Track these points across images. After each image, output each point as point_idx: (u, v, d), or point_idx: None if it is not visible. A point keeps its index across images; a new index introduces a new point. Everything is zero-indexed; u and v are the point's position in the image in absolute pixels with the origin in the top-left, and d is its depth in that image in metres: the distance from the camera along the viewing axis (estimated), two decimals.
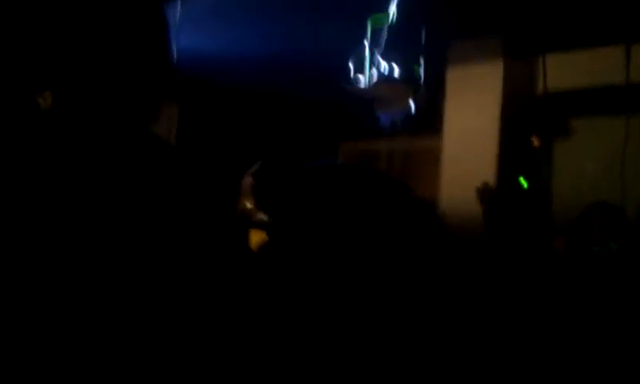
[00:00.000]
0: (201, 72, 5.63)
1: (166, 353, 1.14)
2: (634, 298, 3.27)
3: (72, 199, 1.12)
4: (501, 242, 4.10)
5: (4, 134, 1.17)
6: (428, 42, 4.82)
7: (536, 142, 4.84)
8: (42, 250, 1.09)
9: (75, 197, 1.13)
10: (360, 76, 4.75)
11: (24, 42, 1.19)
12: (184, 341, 1.15)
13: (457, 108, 5.17)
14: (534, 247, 3.93)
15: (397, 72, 4.78)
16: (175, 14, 4.54)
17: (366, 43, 4.68)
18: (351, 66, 4.76)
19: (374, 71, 4.75)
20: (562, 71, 4.87)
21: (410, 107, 4.89)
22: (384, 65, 4.73)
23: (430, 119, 5.27)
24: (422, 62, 4.84)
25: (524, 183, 4.73)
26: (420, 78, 4.84)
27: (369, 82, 4.77)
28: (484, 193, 4.31)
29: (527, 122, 4.99)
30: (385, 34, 4.61)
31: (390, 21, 4.50)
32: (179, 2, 4.51)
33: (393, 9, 4.41)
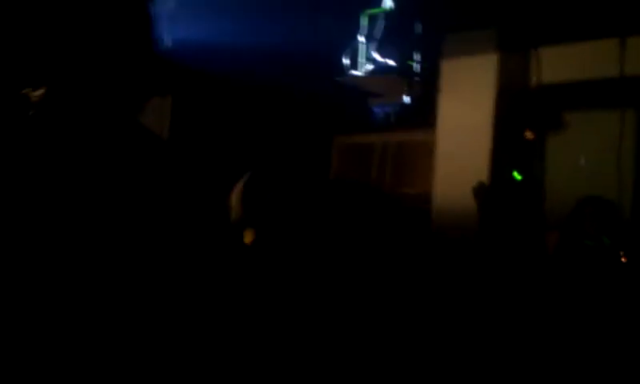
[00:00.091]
0: (194, 64, 5.61)
1: (160, 345, 1.13)
2: (627, 292, 3.27)
3: (62, 192, 1.12)
4: (495, 236, 4.11)
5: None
6: (422, 36, 4.80)
7: (530, 135, 4.84)
8: (30, 244, 1.08)
9: (66, 190, 1.12)
10: (354, 69, 4.74)
11: (11, 37, 1.18)
12: (176, 332, 1.15)
13: (451, 101, 5.16)
14: (527, 241, 3.94)
15: (391, 65, 4.77)
16: (169, 5, 4.51)
17: (360, 36, 4.66)
18: (345, 59, 4.74)
19: (368, 64, 4.73)
20: (556, 64, 4.86)
21: (403, 100, 4.87)
22: (378, 58, 4.72)
23: (424, 112, 5.26)
24: (416, 55, 4.82)
25: (518, 177, 4.74)
26: (414, 71, 4.83)
27: (363, 74, 4.75)
28: (478, 187, 4.31)
29: (521, 116, 4.98)
30: (379, 28, 4.60)
31: (384, 14, 4.48)
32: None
33: (387, 2, 4.39)
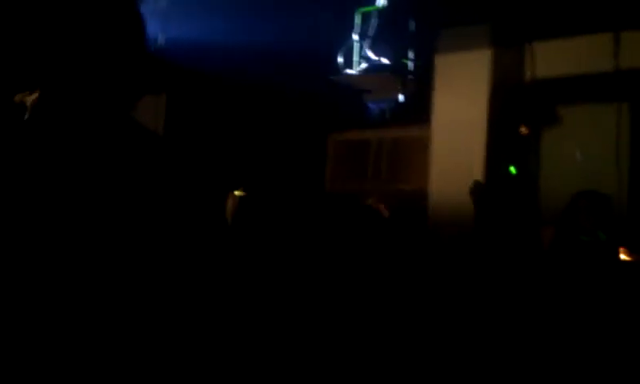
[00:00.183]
0: (188, 63, 5.60)
1: (156, 342, 1.14)
2: (622, 287, 3.28)
3: (58, 193, 1.12)
4: (490, 231, 4.11)
5: None
6: (416, 33, 4.80)
7: (525, 130, 4.84)
8: (29, 245, 1.09)
9: (61, 190, 1.12)
10: (348, 68, 4.73)
11: (4, 41, 1.19)
12: (170, 329, 1.16)
13: (445, 97, 5.16)
14: (522, 237, 3.94)
15: (385, 63, 4.77)
16: (161, 4, 4.50)
17: (354, 35, 4.66)
18: (339, 57, 4.74)
19: (362, 63, 4.73)
20: (550, 59, 4.86)
21: (398, 97, 4.87)
22: (372, 56, 4.71)
23: (419, 108, 5.26)
24: (409, 52, 4.82)
25: (513, 172, 4.74)
26: (408, 69, 4.83)
27: (357, 73, 4.75)
28: (474, 186, 4.31)
29: (516, 111, 4.99)
30: (373, 26, 4.59)
31: (377, 12, 4.48)
32: None
33: (381, 0, 4.39)
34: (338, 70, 4.74)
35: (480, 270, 3.70)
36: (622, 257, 3.56)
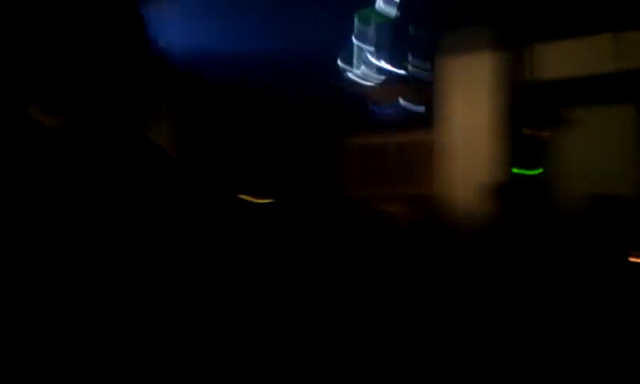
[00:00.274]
0: (197, 72, 5.62)
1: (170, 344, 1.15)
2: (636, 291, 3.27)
3: (72, 208, 1.13)
4: (502, 234, 4.11)
5: (5, 146, 1.18)
6: (420, 37, 4.81)
7: (532, 131, 4.84)
8: (45, 255, 1.10)
9: (75, 206, 1.14)
10: (354, 74, 4.75)
11: (13, 53, 1.20)
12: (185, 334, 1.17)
13: (451, 100, 5.16)
14: (534, 238, 3.94)
15: (390, 69, 4.78)
16: (171, 13, 4.51)
17: (360, 41, 4.67)
18: (345, 64, 4.75)
19: (368, 69, 4.74)
20: (555, 60, 4.87)
21: (403, 103, 4.89)
22: (378, 63, 4.73)
23: (426, 112, 5.27)
24: (414, 57, 4.83)
25: (522, 173, 4.73)
26: (413, 74, 4.84)
27: (363, 79, 4.76)
28: (484, 186, 4.31)
29: (523, 112, 4.99)
30: (378, 32, 4.60)
31: (382, 18, 4.49)
32: (171, 3, 4.49)
33: (385, 7, 4.40)
34: (344, 76, 4.75)
35: (497, 272, 3.71)
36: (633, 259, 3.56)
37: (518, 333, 3.20)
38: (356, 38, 4.66)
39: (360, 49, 4.72)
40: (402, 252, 3.99)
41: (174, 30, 4.65)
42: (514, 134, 4.93)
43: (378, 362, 3.07)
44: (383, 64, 4.77)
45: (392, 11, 4.37)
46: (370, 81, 4.85)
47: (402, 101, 4.91)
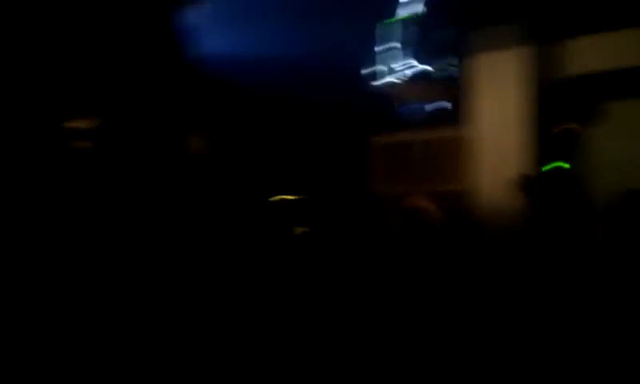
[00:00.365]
0: (228, 77, 5.70)
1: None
2: None
3: (115, 214, 1.19)
4: (533, 230, 4.08)
5: (51, 154, 1.25)
6: (453, 37, 4.80)
7: (568, 126, 4.79)
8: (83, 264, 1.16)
9: (119, 213, 1.19)
10: (380, 73, 4.77)
11: (59, 67, 1.26)
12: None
13: (480, 97, 5.16)
14: (568, 234, 3.90)
15: (424, 69, 4.79)
16: (199, 21, 4.59)
17: (392, 43, 4.69)
18: (371, 63, 4.77)
19: (394, 67, 4.76)
20: (586, 54, 4.82)
21: (438, 101, 4.89)
22: (411, 63, 4.74)
23: (459, 109, 5.26)
24: (448, 56, 4.83)
25: (558, 167, 4.69)
26: (447, 73, 4.83)
27: (396, 80, 4.78)
28: (518, 181, 4.29)
29: (557, 107, 4.95)
30: (404, 30, 4.61)
31: (413, 18, 4.50)
32: (201, 11, 4.56)
33: (417, 8, 4.41)
34: (375, 77, 4.78)
35: (531, 267, 3.69)
36: None
37: (549, 330, 3.18)
38: (384, 37, 4.68)
39: (387, 48, 4.74)
40: (433, 248, 3.99)
41: (205, 36, 4.73)
42: (544, 130, 4.90)
43: (407, 359, 3.08)
44: (410, 62, 4.78)
45: (419, 10, 4.38)
46: (397, 79, 4.87)
47: (429, 98, 4.92)
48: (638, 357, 2.97)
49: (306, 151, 6.16)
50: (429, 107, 5.09)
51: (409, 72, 4.82)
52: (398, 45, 4.73)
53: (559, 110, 4.90)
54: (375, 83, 4.93)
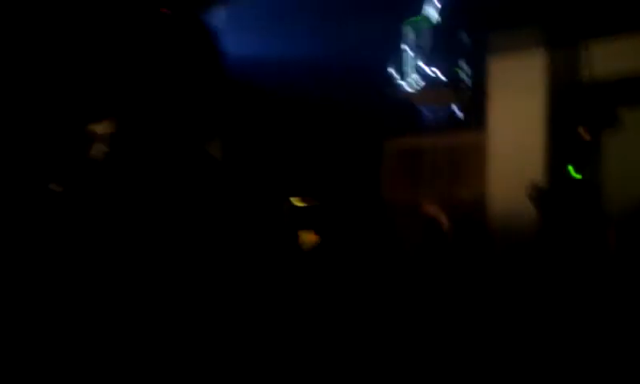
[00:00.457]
0: (247, 79, 5.73)
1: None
2: None
3: (135, 220, 1.20)
4: (553, 237, 4.06)
5: (72, 160, 1.26)
6: (468, 39, 4.78)
7: (584, 132, 4.75)
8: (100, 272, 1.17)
9: (139, 220, 1.20)
10: (402, 81, 4.76)
11: (77, 73, 1.27)
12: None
13: (501, 101, 5.13)
14: (586, 242, 3.88)
15: (438, 74, 4.77)
16: (220, 22, 4.61)
17: (407, 48, 4.68)
18: (390, 68, 4.77)
19: (416, 75, 4.75)
20: (608, 59, 4.76)
21: (453, 108, 4.87)
22: (425, 68, 4.73)
23: (474, 114, 5.24)
24: (463, 61, 4.80)
25: (574, 175, 4.66)
26: (462, 78, 4.81)
27: (411, 86, 4.77)
28: (534, 188, 4.27)
29: (575, 113, 4.90)
30: (425, 38, 4.60)
31: (429, 22, 4.49)
32: (222, 13, 4.58)
33: (432, 12, 4.40)
34: (392, 83, 4.77)
35: (545, 275, 3.67)
36: None
37: (563, 340, 3.17)
38: (403, 42, 4.67)
39: (407, 53, 4.73)
40: (451, 256, 3.99)
41: (225, 38, 4.74)
42: (565, 136, 4.85)
43: (424, 367, 3.09)
44: (428, 67, 4.77)
45: (437, 14, 4.37)
46: (417, 84, 4.86)
47: (445, 103, 4.90)
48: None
49: (322, 155, 6.17)
50: (444, 110, 5.07)
51: (425, 76, 4.80)
52: (416, 48, 4.72)
53: (582, 116, 4.86)
54: (392, 87, 4.92)
